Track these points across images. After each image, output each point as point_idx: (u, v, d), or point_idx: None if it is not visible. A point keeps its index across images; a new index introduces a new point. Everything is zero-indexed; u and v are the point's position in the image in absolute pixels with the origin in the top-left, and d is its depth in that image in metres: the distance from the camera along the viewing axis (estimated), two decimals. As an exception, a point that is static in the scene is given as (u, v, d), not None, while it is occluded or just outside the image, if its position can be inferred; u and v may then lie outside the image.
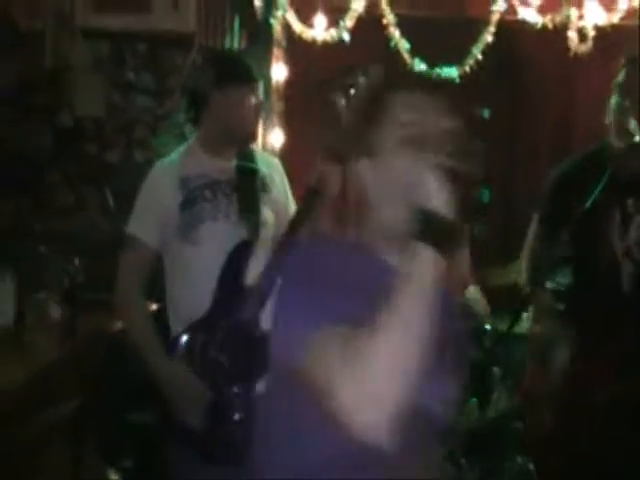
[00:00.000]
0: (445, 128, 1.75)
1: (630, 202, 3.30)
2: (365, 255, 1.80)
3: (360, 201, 1.85)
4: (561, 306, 3.68)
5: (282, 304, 1.78)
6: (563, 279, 3.84)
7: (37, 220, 4.65)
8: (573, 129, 5.61)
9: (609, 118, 3.35)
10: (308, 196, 3.16)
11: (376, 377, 1.51)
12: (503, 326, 4.53)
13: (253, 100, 3.44)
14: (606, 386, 3.23)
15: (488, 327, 4.52)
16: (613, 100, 3.33)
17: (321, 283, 1.70)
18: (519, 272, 3.62)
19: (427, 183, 1.63)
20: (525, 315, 4.23)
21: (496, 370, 4.49)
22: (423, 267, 1.58)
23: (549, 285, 3.86)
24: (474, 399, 4.43)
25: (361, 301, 1.57)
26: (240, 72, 3.47)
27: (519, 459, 4.40)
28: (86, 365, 3.85)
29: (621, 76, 3.33)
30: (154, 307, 3.77)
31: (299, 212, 3.22)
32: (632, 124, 3.19)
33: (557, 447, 3.35)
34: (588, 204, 3.12)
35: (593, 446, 3.24)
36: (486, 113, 6.01)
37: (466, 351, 1.97)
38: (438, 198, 1.61)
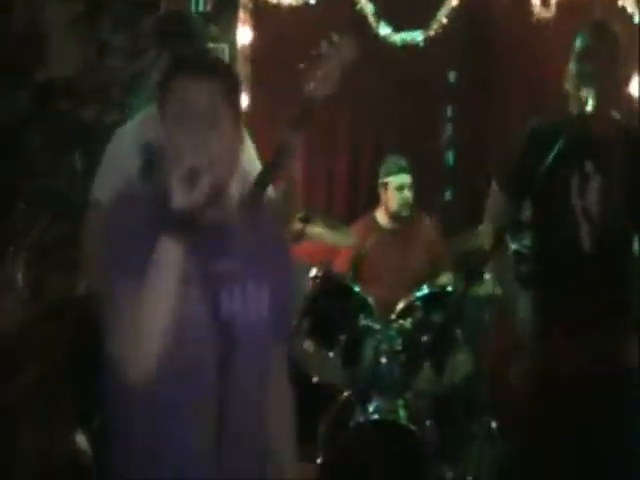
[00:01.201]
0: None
1: (588, 163, 3.31)
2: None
3: None
4: (524, 267, 3.76)
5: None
6: (525, 241, 3.92)
7: (14, 180, 4.62)
8: (540, 93, 5.63)
9: (567, 84, 3.38)
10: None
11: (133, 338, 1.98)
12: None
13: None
14: (569, 345, 3.24)
15: (450, 289, 4.57)
16: (571, 66, 3.36)
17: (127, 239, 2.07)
18: (484, 235, 3.65)
19: (174, 182, 1.97)
20: (488, 277, 4.29)
21: (459, 332, 4.54)
22: (162, 254, 1.98)
23: (512, 246, 3.94)
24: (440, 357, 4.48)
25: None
26: (159, 32, 3.47)
27: (483, 420, 4.45)
28: (56, 326, 3.85)
29: (578, 42, 3.36)
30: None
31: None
32: (586, 91, 3.23)
33: (523, 409, 3.40)
34: (547, 166, 3.13)
35: (559, 409, 3.24)
36: (452, 77, 6.10)
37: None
38: (179, 196, 1.97)
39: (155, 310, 1.97)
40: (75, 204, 3.89)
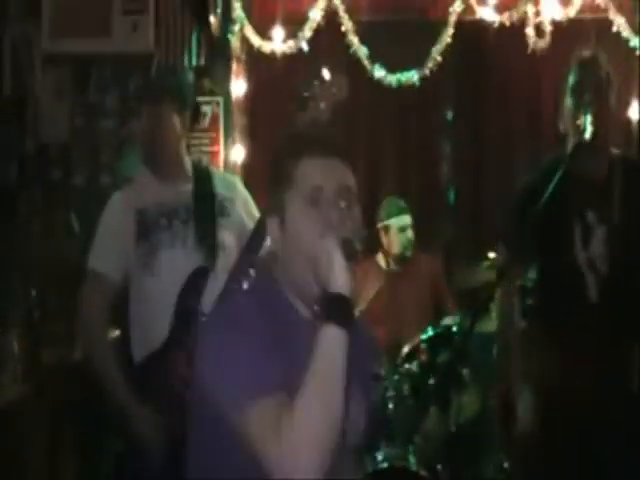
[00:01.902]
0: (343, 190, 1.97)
1: (590, 214, 3.28)
2: (287, 309, 1.98)
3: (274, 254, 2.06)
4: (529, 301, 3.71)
5: (214, 354, 1.93)
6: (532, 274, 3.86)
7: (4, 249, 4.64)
8: (538, 126, 5.61)
9: (562, 121, 3.35)
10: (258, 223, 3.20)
11: (300, 446, 1.76)
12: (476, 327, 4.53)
13: (171, 121, 3.43)
14: (575, 393, 3.22)
15: (455, 329, 4.52)
16: (565, 101, 3.32)
17: (251, 341, 1.88)
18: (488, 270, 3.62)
19: (331, 261, 1.86)
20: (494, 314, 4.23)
21: (466, 372, 4.48)
22: (329, 346, 1.83)
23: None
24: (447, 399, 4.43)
25: (286, 364, 1.84)
26: (158, 90, 3.51)
27: (496, 459, 4.39)
28: (53, 396, 3.84)
29: (571, 79, 3.33)
30: (117, 333, 3.76)
31: (252, 237, 3.21)
32: (582, 119, 3.18)
33: (533, 447, 3.33)
34: (545, 209, 3.08)
35: (567, 446, 3.23)
36: (450, 115, 6.09)
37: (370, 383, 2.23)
38: (340, 276, 1.85)
39: (326, 409, 1.79)
40: (72, 268, 3.88)
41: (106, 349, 3.40)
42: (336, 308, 1.84)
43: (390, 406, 4.40)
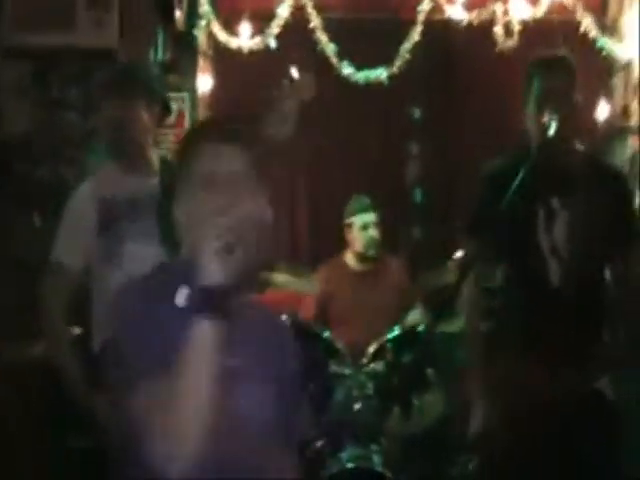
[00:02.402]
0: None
1: (553, 200, 3.30)
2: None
3: None
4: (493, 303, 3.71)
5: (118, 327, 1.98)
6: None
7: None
8: (506, 124, 5.61)
9: (528, 119, 3.35)
10: None
11: (171, 432, 1.79)
12: (441, 327, 4.52)
13: (136, 112, 3.40)
14: (541, 382, 3.21)
15: (421, 328, 4.49)
16: (530, 103, 3.33)
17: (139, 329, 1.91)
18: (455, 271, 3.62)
19: (204, 249, 1.83)
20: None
21: (431, 372, 4.46)
22: (198, 335, 1.82)
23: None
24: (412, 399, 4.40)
25: (166, 353, 1.82)
26: (123, 81, 3.48)
27: (461, 460, 4.37)
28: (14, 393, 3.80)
29: (536, 80, 3.31)
30: (77, 331, 3.73)
31: None
32: (547, 116, 3.17)
33: (499, 446, 3.30)
34: (509, 201, 3.09)
35: (534, 443, 3.21)
36: (417, 113, 6.09)
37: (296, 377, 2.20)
38: (210, 267, 1.83)
39: (196, 398, 1.82)
40: (34, 262, 3.83)
41: (64, 340, 3.39)
42: (203, 300, 1.82)
43: (355, 406, 4.34)
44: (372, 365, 4.45)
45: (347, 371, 4.43)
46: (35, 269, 3.54)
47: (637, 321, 3.33)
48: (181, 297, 1.86)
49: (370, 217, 5.18)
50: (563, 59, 3.40)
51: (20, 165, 4.96)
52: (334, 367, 4.43)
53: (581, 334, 3.27)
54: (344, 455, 4.18)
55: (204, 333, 1.82)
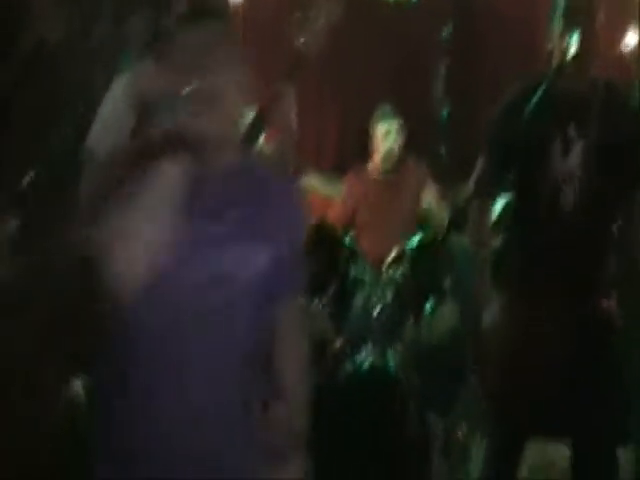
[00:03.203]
0: None
1: (572, 126, 3.32)
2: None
3: None
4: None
5: None
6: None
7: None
8: (534, 47, 5.64)
9: (551, 41, 3.39)
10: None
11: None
12: (461, 240, 4.61)
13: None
14: (545, 305, 3.28)
15: (440, 239, 4.58)
16: (555, 22, 3.36)
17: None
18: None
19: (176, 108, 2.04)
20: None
21: (447, 282, 4.57)
22: (167, 174, 1.96)
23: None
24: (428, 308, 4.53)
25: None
26: None
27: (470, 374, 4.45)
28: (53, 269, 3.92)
29: (558, 4, 3.32)
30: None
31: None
32: (568, 43, 3.21)
33: (508, 367, 3.38)
34: (526, 124, 3.16)
35: (534, 367, 3.30)
36: (447, 32, 6.12)
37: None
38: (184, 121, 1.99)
39: (144, 222, 1.94)
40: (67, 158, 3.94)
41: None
42: (171, 147, 1.98)
43: (372, 311, 4.49)
44: (391, 272, 4.58)
45: (367, 277, 4.58)
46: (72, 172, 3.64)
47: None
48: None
49: (392, 124, 5.29)
50: None
51: (54, 70, 5.03)
52: (354, 272, 4.57)
53: (588, 260, 3.33)
54: (360, 356, 4.32)
55: (172, 172, 1.96)
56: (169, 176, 1.96)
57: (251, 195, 2.11)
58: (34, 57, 4.98)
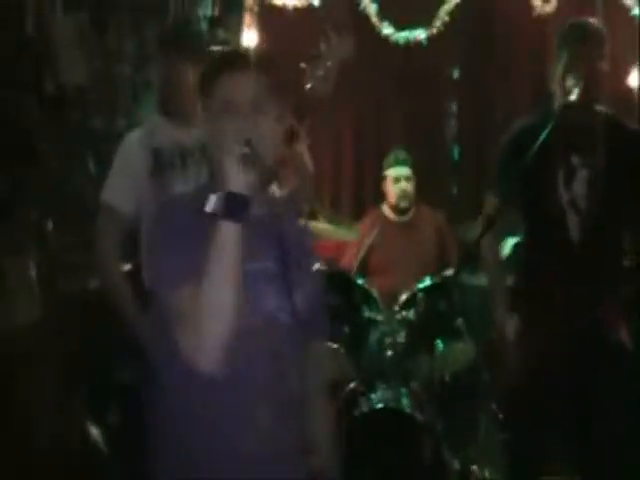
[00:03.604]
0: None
1: (574, 157, 3.42)
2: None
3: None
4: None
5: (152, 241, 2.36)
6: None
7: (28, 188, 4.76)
8: (541, 87, 5.69)
9: (554, 82, 3.47)
10: None
11: (200, 326, 2.05)
12: (473, 280, 4.69)
13: (184, 71, 3.49)
14: (559, 332, 3.34)
15: (452, 279, 4.64)
16: (558, 66, 3.43)
17: (178, 235, 2.19)
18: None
19: (226, 163, 2.09)
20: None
21: (460, 321, 4.63)
22: (224, 237, 2.06)
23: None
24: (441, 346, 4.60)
25: (197, 255, 2.07)
26: (172, 41, 3.62)
27: (487, 407, 4.50)
28: (69, 324, 4.00)
29: (565, 47, 3.42)
30: (129, 267, 3.91)
31: None
32: (571, 80, 3.31)
33: (523, 396, 3.45)
34: (532, 159, 3.20)
35: (553, 396, 3.37)
36: (456, 73, 6.19)
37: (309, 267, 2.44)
38: (232, 176, 2.07)
39: (221, 293, 2.05)
40: (88, 206, 4.02)
41: (116, 275, 3.56)
42: (226, 205, 2.05)
43: (386, 351, 4.56)
44: (404, 312, 4.64)
45: (380, 317, 4.64)
46: (90, 212, 3.73)
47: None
48: (209, 204, 2.08)
49: (404, 170, 5.38)
50: (593, 28, 3.49)
51: (75, 115, 5.12)
52: (368, 313, 4.64)
53: (598, 285, 3.39)
54: (375, 396, 4.35)
55: (229, 235, 2.05)
56: (236, 236, 2.06)
57: (282, 241, 2.26)
58: (56, 103, 5.09)
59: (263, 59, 2.43)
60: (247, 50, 2.59)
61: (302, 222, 2.56)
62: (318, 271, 2.43)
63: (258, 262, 2.20)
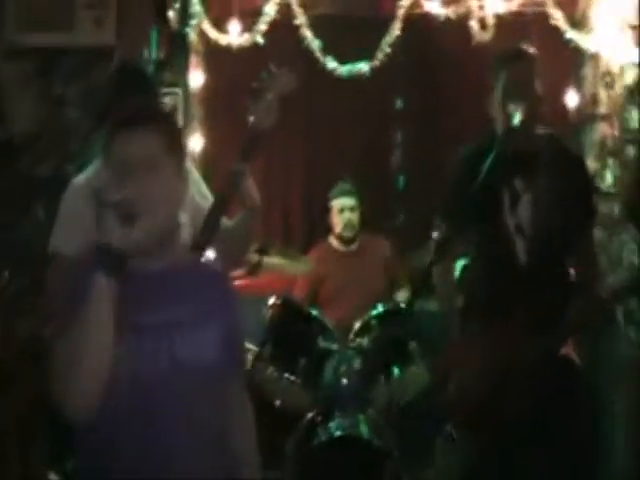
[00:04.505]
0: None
1: (518, 182, 3.52)
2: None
3: None
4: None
5: None
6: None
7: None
8: (483, 113, 5.83)
9: (493, 109, 3.58)
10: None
11: (67, 371, 2.05)
12: (425, 305, 4.77)
13: None
14: (508, 352, 3.41)
15: (403, 306, 4.75)
16: (497, 94, 3.54)
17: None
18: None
19: (103, 218, 2.13)
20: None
21: (414, 346, 4.72)
22: (95, 288, 2.08)
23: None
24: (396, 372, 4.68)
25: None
26: (131, 84, 3.64)
27: (444, 430, 4.55)
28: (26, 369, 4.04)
29: (502, 73, 3.52)
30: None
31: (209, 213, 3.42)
32: (512, 107, 3.41)
33: (476, 416, 3.52)
34: (478, 185, 3.28)
35: (505, 408, 3.43)
36: (399, 103, 6.30)
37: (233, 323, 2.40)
38: (108, 231, 2.11)
39: (87, 344, 2.05)
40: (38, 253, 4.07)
41: None
42: (101, 259, 2.09)
43: (342, 379, 4.63)
44: (358, 340, 4.74)
45: (335, 347, 4.72)
46: (40, 259, 3.77)
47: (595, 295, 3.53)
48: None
49: (348, 201, 5.52)
50: (525, 53, 3.61)
51: (23, 162, 5.17)
52: (323, 343, 4.71)
53: (546, 305, 3.45)
54: (333, 424, 4.43)
55: (98, 287, 2.07)
56: (106, 292, 2.08)
57: (188, 291, 2.27)
58: (3, 151, 5.13)
59: (160, 115, 2.50)
60: (145, 107, 2.61)
61: (221, 276, 2.55)
62: (235, 322, 2.39)
63: (159, 315, 2.20)
